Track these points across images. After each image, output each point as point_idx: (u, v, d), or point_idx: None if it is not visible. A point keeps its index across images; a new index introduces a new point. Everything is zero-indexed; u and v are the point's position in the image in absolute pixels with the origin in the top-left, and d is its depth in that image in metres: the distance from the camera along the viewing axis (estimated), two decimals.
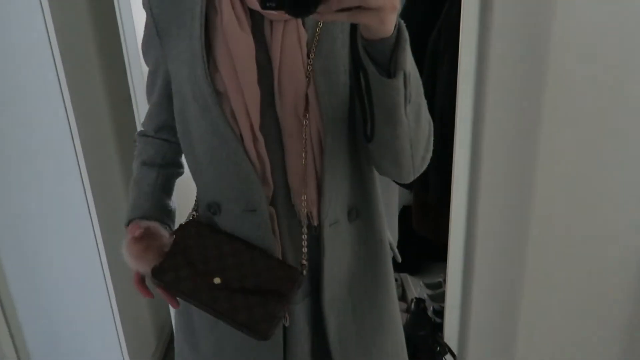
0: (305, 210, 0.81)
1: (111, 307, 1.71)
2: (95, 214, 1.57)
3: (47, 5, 1.38)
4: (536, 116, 1.02)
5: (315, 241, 0.84)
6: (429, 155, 0.80)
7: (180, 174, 1.00)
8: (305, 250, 0.83)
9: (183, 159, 0.96)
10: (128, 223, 0.89)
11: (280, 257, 0.82)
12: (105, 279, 1.66)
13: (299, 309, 0.86)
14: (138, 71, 1.56)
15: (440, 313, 1.84)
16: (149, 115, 0.94)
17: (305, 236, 0.83)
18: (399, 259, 0.98)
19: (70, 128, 1.49)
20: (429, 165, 0.81)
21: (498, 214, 1.33)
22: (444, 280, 1.88)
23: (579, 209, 0.96)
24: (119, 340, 1.75)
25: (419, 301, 1.83)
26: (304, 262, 0.82)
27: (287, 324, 0.85)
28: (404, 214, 2.25)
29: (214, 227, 0.86)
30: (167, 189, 0.96)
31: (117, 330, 1.73)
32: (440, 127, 1.54)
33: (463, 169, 1.41)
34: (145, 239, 0.83)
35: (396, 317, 0.95)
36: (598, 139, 0.89)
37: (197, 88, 0.78)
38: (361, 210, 0.87)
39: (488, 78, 1.25)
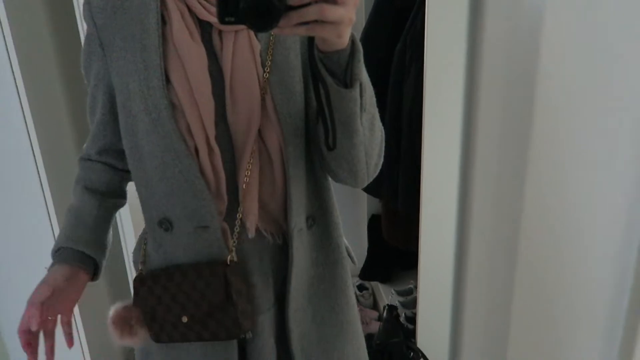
0: (256, 224, 0.82)
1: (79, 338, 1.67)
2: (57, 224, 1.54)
3: (3, 10, 1.35)
4: (521, 121, 1.05)
5: (278, 251, 0.86)
6: (381, 161, 0.83)
7: (123, 205, 0.97)
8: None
9: (127, 188, 0.95)
10: (57, 250, 0.87)
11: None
12: None
13: (264, 320, 0.86)
14: None
15: (412, 319, 1.86)
16: (92, 137, 0.90)
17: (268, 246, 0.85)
18: (356, 262, 0.99)
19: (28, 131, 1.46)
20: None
21: (474, 218, 1.36)
22: (415, 287, 1.90)
23: (561, 219, 0.98)
24: None
25: (392, 308, 1.85)
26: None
27: (249, 337, 0.85)
28: (373, 223, 2.27)
29: (165, 270, 0.84)
30: (107, 220, 0.92)
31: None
32: (409, 136, 1.57)
33: (433, 176, 1.43)
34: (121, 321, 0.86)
35: (356, 321, 0.96)
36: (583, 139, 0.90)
37: (150, 101, 0.76)
38: (318, 217, 0.88)
39: (466, 84, 1.29)
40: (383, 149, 0.82)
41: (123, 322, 0.86)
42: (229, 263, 0.81)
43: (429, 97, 1.34)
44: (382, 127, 0.80)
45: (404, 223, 1.89)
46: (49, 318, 0.82)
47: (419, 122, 1.44)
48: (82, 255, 0.86)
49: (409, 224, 1.77)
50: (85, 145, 0.92)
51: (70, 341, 0.85)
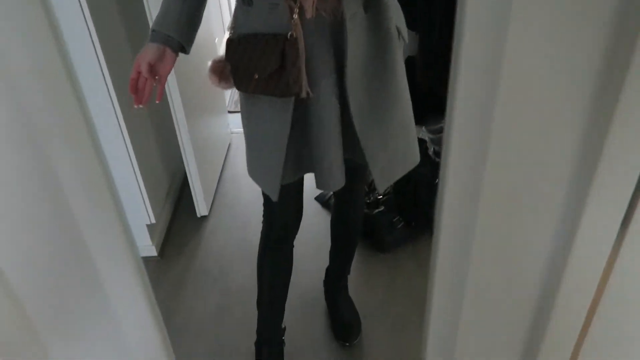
0: (314, 6, 1.00)
1: (127, 151, 1.81)
2: (103, 57, 1.59)
3: None
4: None
5: (337, 30, 1.05)
6: None
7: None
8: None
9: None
10: (152, 31, 1.10)
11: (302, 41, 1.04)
12: (120, 127, 1.74)
13: (326, 84, 1.09)
14: None
15: (439, 154, 1.96)
16: None
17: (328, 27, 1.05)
18: (406, 40, 1.20)
19: None
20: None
21: None
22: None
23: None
24: (137, 181, 1.88)
25: (421, 141, 1.94)
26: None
27: (311, 95, 1.08)
28: (408, 66, 2.24)
29: (246, 36, 1.08)
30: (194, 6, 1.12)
31: (134, 170, 1.85)
32: None
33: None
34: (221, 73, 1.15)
35: (404, 95, 1.20)
36: None
37: None
38: (371, 3, 1.07)
39: None
40: None
41: (219, 72, 1.16)
42: (288, 37, 1.02)
43: None
44: None
45: (440, 64, 1.87)
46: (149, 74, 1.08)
47: None
48: (166, 37, 1.09)
49: (445, 65, 1.75)
50: None
51: (160, 96, 1.14)
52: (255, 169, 1.27)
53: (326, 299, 1.81)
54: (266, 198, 1.34)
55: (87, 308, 0.79)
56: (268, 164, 1.20)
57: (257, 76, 1.06)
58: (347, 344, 1.68)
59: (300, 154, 1.19)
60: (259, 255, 1.50)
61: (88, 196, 0.66)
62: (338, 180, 1.20)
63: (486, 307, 0.70)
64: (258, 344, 1.60)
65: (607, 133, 0.51)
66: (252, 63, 1.06)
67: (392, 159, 1.23)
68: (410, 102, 1.24)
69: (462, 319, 0.72)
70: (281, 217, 1.39)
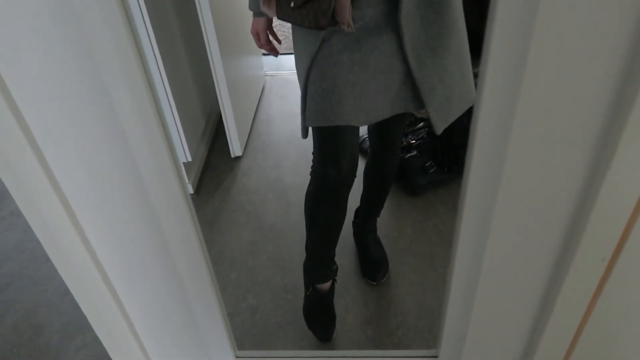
0: None
1: (165, 91, 1.84)
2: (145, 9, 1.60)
3: None
4: None
5: None
6: None
7: None
8: None
9: None
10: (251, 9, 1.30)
11: None
12: (158, 67, 1.77)
13: (373, 12, 1.08)
14: None
15: None
16: None
17: None
18: None
19: None
20: None
21: None
22: None
23: None
24: (174, 119, 1.93)
25: None
26: None
27: (354, 30, 1.07)
28: None
29: None
30: None
31: (171, 109, 1.90)
32: None
33: None
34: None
35: (458, 22, 1.16)
36: None
37: None
38: None
39: None
40: None
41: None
42: None
43: None
44: None
45: (481, 5, 1.80)
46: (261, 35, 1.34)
47: None
48: (259, 10, 1.21)
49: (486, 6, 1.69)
50: None
51: (275, 49, 1.38)
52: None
53: (355, 238, 1.85)
54: (329, 139, 1.28)
55: (146, 242, 0.85)
56: (301, 99, 1.22)
57: (292, 4, 1.07)
58: (375, 282, 1.73)
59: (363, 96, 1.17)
60: (316, 198, 1.42)
61: (145, 135, 0.70)
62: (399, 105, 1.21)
63: (509, 250, 0.72)
64: (309, 280, 1.61)
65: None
66: None
67: (449, 96, 1.19)
68: (465, 33, 1.19)
69: (485, 259, 0.73)
70: (350, 158, 1.32)
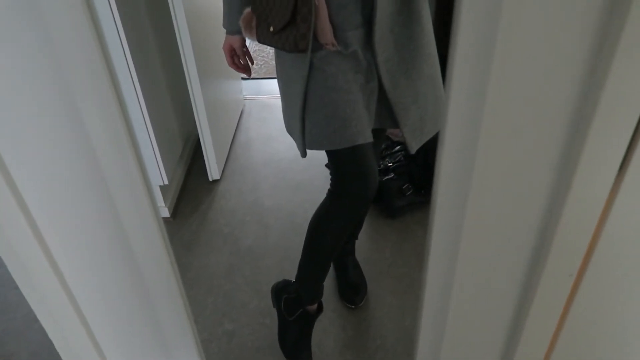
0: None
1: (142, 113, 1.83)
2: (119, 16, 1.60)
3: None
4: None
5: None
6: None
7: None
8: None
9: None
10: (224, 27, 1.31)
11: None
12: (134, 87, 1.76)
13: (352, 35, 1.11)
14: None
15: None
16: None
17: None
18: None
19: None
20: None
21: None
22: None
23: None
24: (151, 142, 1.91)
25: None
26: None
27: (339, 48, 1.11)
28: None
29: None
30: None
31: (148, 131, 1.88)
32: None
33: None
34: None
35: (429, 45, 1.20)
36: None
37: None
38: None
39: None
40: None
41: (247, 22, 1.21)
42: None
43: None
44: None
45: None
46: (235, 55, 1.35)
47: None
48: (234, 29, 1.26)
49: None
50: None
51: (249, 68, 1.39)
52: (290, 126, 1.30)
53: (333, 261, 1.85)
54: (349, 158, 1.24)
55: (116, 267, 0.83)
56: (294, 120, 1.23)
57: (272, 28, 1.10)
58: (353, 306, 1.72)
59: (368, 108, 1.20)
60: (340, 216, 1.36)
61: (116, 157, 0.69)
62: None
63: (479, 269, 0.72)
64: (299, 303, 1.54)
65: (609, 70, 0.51)
66: (269, 14, 1.10)
67: (423, 116, 1.22)
68: (437, 56, 1.23)
69: (456, 280, 0.73)
70: (374, 173, 1.27)
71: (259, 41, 1.17)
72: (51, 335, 0.86)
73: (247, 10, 1.20)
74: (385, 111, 1.21)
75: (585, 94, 0.55)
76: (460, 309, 0.80)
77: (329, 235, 1.40)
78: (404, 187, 2.06)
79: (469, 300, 0.78)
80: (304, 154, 1.27)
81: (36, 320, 1.69)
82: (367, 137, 1.21)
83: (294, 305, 1.55)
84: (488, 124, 0.59)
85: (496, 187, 0.64)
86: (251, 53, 1.39)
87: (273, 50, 1.25)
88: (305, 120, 1.21)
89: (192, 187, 2.29)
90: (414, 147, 1.23)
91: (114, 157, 0.70)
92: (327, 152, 1.27)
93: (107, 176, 0.71)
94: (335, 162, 1.29)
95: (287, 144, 2.53)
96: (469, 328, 0.83)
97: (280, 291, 1.58)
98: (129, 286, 0.86)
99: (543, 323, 0.75)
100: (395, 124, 1.22)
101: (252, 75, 1.64)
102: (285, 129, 1.35)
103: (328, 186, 1.37)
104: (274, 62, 1.34)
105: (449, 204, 0.68)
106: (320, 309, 1.56)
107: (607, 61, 0.52)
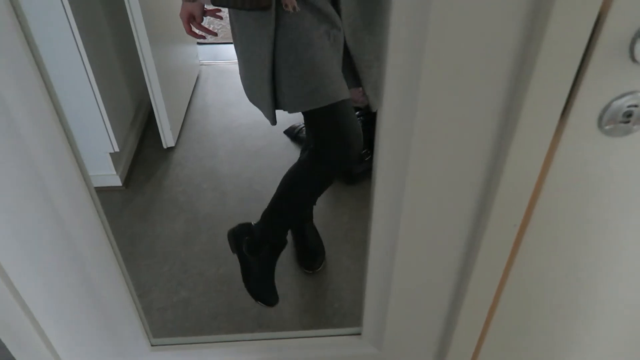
0: None
1: (88, 77, 1.75)
2: None
3: None
4: None
5: None
6: None
7: None
8: None
9: None
10: None
11: None
12: (79, 51, 1.67)
13: None
14: None
15: None
16: None
17: None
18: None
19: None
20: None
21: None
22: None
23: None
24: (99, 108, 1.83)
25: None
26: None
27: (298, 10, 1.06)
28: None
29: None
30: None
31: (95, 96, 1.80)
32: None
33: None
34: None
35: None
36: None
37: None
38: None
39: None
40: None
41: None
42: None
43: None
44: None
45: None
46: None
47: None
48: None
49: None
50: None
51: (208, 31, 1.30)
52: (253, 93, 1.23)
53: (291, 227, 1.83)
54: (330, 117, 1.19)
55: (48, 237, 0.78)
56: (261, 85, 1.17)
57: None
58: (311, 271, 1.72)
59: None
60: (325, 175, 1.35)
61: (36, 121, 0.64)
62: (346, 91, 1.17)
63: (423, 226, 0.72)
64: (260, 243, 1.53)
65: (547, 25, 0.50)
66: None
67: None
68: None
69: (400, 236, 0.73)
70: (358, 130, 1.23)
71: (214, 4, 1.11)
72: None
73: None
74: (347, 69, 1.18)
75: (529, 36, 0.54)
76: (406, 265, 0.80)
77: (316, 186, 1.38)
78: (362, 153, 2.05)
79: (414, 255, 0.78)
80: (273, 121, 1.22)
81: None
82: (347, 93, 1.17)
83: (256, 245, 1.54)
84: (427, 76, 0.57)
85: (439, 140, 0.63)
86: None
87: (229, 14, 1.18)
88: (278, 82, 1.15)
89: (146, 155, 2.22)
90: (376, 105, 1.21)
91: (37, 130, 0.65)
92: (305, 114, 1.22)
93: (29, 144, 0.66)
94: (316, 123, 1.24)
95: (246, 111, 2.47)
96: (415, 282, 0.83)
97: (240, 235, 1.57)
98: (67, 261, 0.82)
99: (488, 275, 0.76)
100: (357, 83, 1.20)
101: (209, 40, 1.58)
102: (245, 96, 1.30)
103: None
104: None
105: (391, 160, 0.67)
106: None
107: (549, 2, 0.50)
